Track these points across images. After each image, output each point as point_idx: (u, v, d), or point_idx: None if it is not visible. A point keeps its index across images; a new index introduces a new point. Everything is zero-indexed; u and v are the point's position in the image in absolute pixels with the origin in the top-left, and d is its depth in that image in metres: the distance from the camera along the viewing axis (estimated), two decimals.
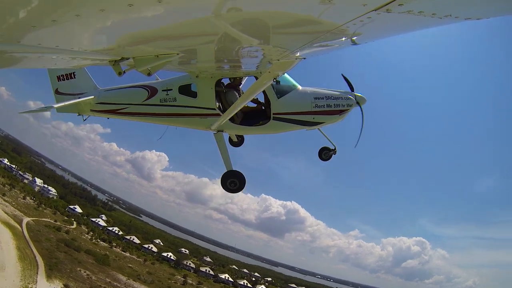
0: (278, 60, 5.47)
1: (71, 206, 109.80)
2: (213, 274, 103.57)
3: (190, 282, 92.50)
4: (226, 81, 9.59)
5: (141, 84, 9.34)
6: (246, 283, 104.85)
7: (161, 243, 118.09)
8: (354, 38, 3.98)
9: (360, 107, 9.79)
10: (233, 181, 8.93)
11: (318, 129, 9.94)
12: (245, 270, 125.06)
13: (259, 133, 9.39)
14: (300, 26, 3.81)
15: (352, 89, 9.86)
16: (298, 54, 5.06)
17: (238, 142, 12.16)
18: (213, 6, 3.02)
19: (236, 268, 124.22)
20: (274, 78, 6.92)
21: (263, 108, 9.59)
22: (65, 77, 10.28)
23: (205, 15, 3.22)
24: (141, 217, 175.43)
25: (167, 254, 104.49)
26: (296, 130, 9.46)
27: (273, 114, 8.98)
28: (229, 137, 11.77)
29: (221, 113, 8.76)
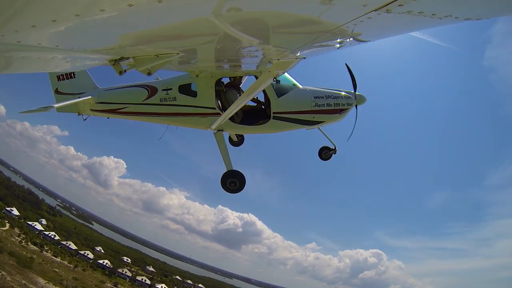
0: (278, 59, 5.47)
1: (8, 208, 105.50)
2: (149, 283, 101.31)
3: None
4: (226, 80, 9.59)
5: (141, 84, 9.33)
6: None
7: (102, 251, 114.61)
8: (354, 38, 3.98)
9: (356, 106, 9.75)
10: (233, 181, 8.95)
11: (319, 128, 9.94)
12: (188, 281, 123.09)
13: (259, 132, 9.39)
14: (300, 26, 3.81)
15: (353, 80, 9.78)
16: (298, 53, 5.06)
17: (238, 141, 12.16)
18: (213, 6, 3.02)
19: (179, 278, 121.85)
20: (274, 78, 6.92)
21: (263, 107, 9.60)
22: (65, 76, 10.27)
23: (205, 15, 3.22)
24: (92, 224, 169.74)
25: (103, 262, 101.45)
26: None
27: (273, 113, 8.98)
28: (229, 136, 11.78)
29: (221, 113, 8.76)
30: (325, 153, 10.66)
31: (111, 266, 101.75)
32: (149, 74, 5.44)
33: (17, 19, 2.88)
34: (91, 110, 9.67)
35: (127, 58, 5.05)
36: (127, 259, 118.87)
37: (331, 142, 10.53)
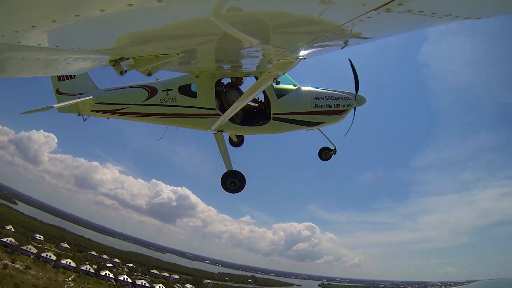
0: (278, 60, 5.47)
1: None
2: (54, 259, 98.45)
3: (17, 266, 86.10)
4: (226, 81, 9.59)
5: (141, 84, 9.34)
6: (89, 268, 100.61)
7: (12, 229, 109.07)
8: (354, 37, 3.98)
9: (355, 108, 9.73)
10: (233, 181, 8.94)
11: (318, 129, 9.94)
12: (104, 256, 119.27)
13: (259, 133, 9.39)
14: (300, 26, 3.81)
15: (356, 78, 9.74)
16: (298, 54, 5.05)
17: (238, 142, 12.15)
18: (213, 6, 3.02)
19: (95, 254, 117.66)
20: (274, 78, 6.91)
21: (263, 108, 9.59)
22: (65, 77, 10.29)
23: (205, 15, 3.22)
24: (17, 204, 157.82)
25: (6, 239, 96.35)
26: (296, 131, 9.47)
27: (273, 114, 8.97)
28: (229, 137, 11.77)
29: (221, 113, 8.75)
30: (325, 153, 10.65)
31: (16, 244, 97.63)
32: (149, 74, 5.44)
33: (17, 20, 2.88)
34: (91, 110, 9.68)
35: (127, 59, 5.06)
36: (39, 237, 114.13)
37: (331, 142, 10.53)
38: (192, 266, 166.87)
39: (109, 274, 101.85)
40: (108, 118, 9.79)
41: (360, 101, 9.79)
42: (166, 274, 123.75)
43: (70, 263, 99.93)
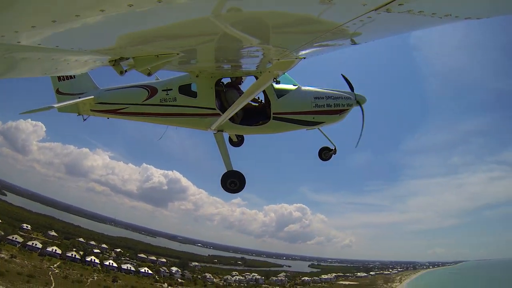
0: (278, 59, 5.47)
1: None
2: (39, 247, 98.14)
3: (3, 256, 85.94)
4: (226, 81, 9.59)
5: (141, 84, 9.34)
6: (74, 255, 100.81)
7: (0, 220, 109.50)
8: (354, 38, 3.98)
9: (361, 106, 9.80)
10: (233, 181, 8.96)
11: (319, 129, 9.94)
12: (92, 242, 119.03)
13: (259, 133, 9.39)
14: (300, 26, 3.81)
15: (352, 89, 9.89)
16: (298, 53, 5.06)
17: (238, 142, 12.15)
18: (213, 6, 3.02)
19: (83, 240, 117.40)
20: (274, 78, 6.92)
21: (263, 107, 9.60)
22: (65, 77, 10.29)
23: (205, 15, 3.22)
24: (6, 195, 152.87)
25: None
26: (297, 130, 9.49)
27: (273, 113, 8.98)
28: (229, 137, 11.77)
29: (221, 113, 8.75)
30: (325, 153, 10.66)
31: (1, 233, 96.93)
32: (149, 74, 5.44)
33: (17, 20, 2.88)
34: (91, 110, 9.68)
35: (127, 59, 5.05)
36: (27, 226, 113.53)
37: (331, 142, 10.54)
38: (182, 249, 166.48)
39: (94, 260, 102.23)
40: (108, 118, 9.79)
41: (360, 100, 9.81)
42: (153, 257, 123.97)
43: (56, 250, 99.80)
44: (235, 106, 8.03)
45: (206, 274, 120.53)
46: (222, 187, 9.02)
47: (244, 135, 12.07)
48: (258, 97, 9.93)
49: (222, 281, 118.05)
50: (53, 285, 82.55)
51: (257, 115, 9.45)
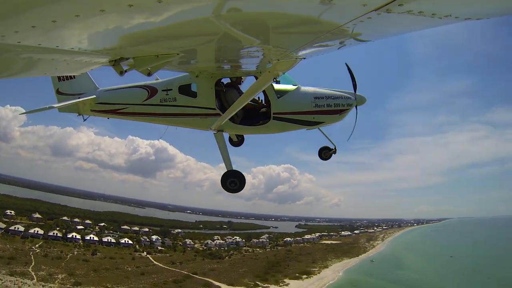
0: (278, 60, 5.47)
1: None
2: (22, 230, 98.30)
3: None
4: (226, 81, 9.58)
5: (141, 84, 9.33)
6: (56, 233, 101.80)
7: None
8: (354, 38, 3.98)
9: (356, 106, 9.77)
10: (233, 181, 8.94)
11: (319, 128, 9.93)
12: (76, 219, 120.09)
13: (259, 133, 9.38)
14: (300, 26, 3.81)
15: (353, 80, 9.79)
16: (298, 54, 5.05)
17: (238, 141, 12.15)
18: (213, 6, 3.02)
19: (67, 219, 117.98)
20: (274, 78, 6.91)
21: (263, 107, 9.59)
22: (65, 77, 10.29)
23: (205, 15, 3.22)
24: None
25: None
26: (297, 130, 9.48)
27: (273, 113, 8.97)
28: (229, 136, 11.76)
29: (221, 113, 8.75)
30: (325, 153, 10.64)
31: None
32: (149, 74, 5.44)
33: (17, 20, 2.88)
34: (91, 110, 9.68)
35: (127, 59, 5.05)
36: (10, 212, 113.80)
37: (331, 142, 10.52)
38: (170, 218, 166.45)
39: (76, 236, 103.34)
40: (108, 118, 9.79)
41: (360, 100, 9.80)
42: (136, 228, 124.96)
43: (38, 231, 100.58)
44: (235, 106, 8.02)
45: (187, 240, 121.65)
46: (222, 186, 9.01)
47: (244, 135, 12.06)
48: (258, 97, 9.91)
49: (203, 246, 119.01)
50: (33, 263, 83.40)
51: (257, 115, 9.44)
